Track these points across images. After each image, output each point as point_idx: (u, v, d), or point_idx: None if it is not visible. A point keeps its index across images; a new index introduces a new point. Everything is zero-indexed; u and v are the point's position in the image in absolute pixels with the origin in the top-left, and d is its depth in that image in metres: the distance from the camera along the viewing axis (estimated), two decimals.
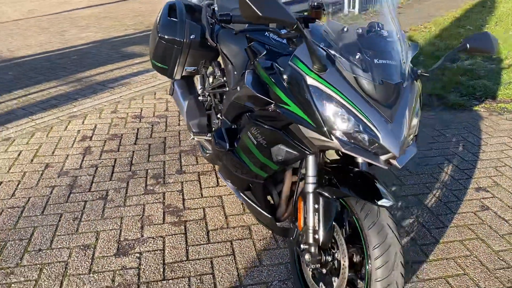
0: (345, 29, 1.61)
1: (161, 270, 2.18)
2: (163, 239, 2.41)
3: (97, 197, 2.78)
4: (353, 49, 1.57)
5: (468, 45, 1.71)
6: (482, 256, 2.27)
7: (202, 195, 2.81)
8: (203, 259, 2.26)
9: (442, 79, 4.78)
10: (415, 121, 1.64)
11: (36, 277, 2.13)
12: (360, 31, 1.62)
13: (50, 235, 2.42)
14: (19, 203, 2.71)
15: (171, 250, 2.32)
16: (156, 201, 2.74)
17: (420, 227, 2.50)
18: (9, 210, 2.65)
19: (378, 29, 1.65)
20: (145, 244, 2.36)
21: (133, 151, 3.36)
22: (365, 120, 1.50)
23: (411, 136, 1.65)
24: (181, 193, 2.82)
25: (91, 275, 2.15)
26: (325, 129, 1.55)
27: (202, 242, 2.38)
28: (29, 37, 7.23)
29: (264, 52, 1.91)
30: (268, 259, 2.25)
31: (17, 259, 2.25)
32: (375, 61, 1.55)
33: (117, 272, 2.17)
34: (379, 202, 1.53)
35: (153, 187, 2.89)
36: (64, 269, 2.18)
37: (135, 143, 3.49)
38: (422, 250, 2.31)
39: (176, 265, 2.22)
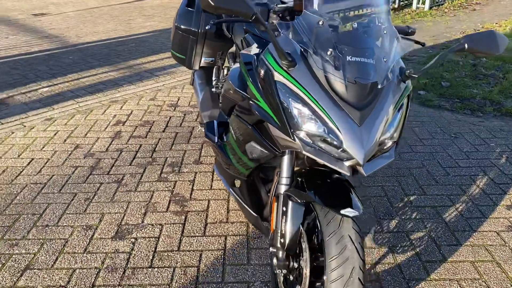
0: (321, 23, 1.50)
1: (150, 257, 2.21)
2: (161, 227, 2.43)
3: (113, 180, 2.88)
4: (326, 44, 1.46)
5: (466, 45, 1.52)
6: (493, 281, 2.05)
7: (211, 187, 2.80)
8: (194, 251, 2.26)
9: (501, 82, 4.37)
10: (395, 125, 1.50)
11: (36, 251, 2.25)
12: (337, 25, 1.50)
13: (60, 213, 2.55)
14: (42, 180, 2.88)
15: (165, 238, 2.34)
16: (166, 189, 2.78)
17: (430, 242, 2.30)
18: (31, 185, 2.82)
19: (361, 24, 1.52)
20: (142, 230, 2.40)
21: (159, 139, 3.44)
22: (329, 122, 1.40)
23: (390, 143, 1.51)
24: (191, 183, 2.84)
25: (85, 254, 2.23)
26: (288, 128, 1.46)
27: (197, 234, 2.38)
28: (99, 25, 7.64)
29: (253, 45, 1.84)
30: (257, 258, 2.20)
31: (25, 232, 2.39)
32: (348, 58, 1.44)
33: (109, 254, 2.23)
34: (342, 211, 1.42)
35: (167, 175, 2.94)
36: (62, 246, 2.28)
37: (163, 131, 3.57)
38: (425, 267, 2.13)
39: (166, 254, 2.23)
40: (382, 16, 1.56)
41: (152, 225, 2.46)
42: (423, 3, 8.07)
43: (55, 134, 3.52)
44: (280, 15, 1.84)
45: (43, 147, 3.31)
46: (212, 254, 2.23)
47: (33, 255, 2.22)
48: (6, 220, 2.48)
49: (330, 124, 1.40)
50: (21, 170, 3.00)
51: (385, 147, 1.51)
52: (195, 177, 2.91)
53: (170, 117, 3.82)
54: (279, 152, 1.62)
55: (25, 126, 3.67)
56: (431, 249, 2.25)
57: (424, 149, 3.25)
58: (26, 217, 2.51)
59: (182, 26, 2.61)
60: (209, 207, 2.60)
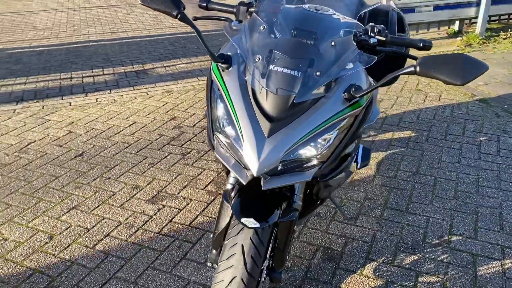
0: (262, 28, 1.46)
1: (163, 225, 2.46)
2: (189, 201, 2.66)
3: (181, 152, 3.21)
4: (261, 50, 1.44)
5: (418, 68, 1.29)
6: None
7: None
8: (200, 229, 2.42)
9: None
10: (322, 145, 1.40)
11: (88, 196, 2.72)
12: (280, 32, 1.45)
13: (124, 171, 2.99)
14: (130, 141, 3.39)
15: (185, 212, 2.56)
16: (215, 170, 2.99)
17: None
18: (120, 143, 3.35)
19: (303, 33, 1.43)
20: (173, 200, 2.67)
21: None
22: (238, 129, 1.39)
23: (313, 162, 1.41)
24: None
25: (118, 208, 2.61)
26: (210, 127, 1.50)
27: (213, 216, 2.53)
28: None
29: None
30: None
31: (91, 179, 2.89)
32: (271, 67, 1.39)
33: (135, 213, 2.56)
34: (243, 220, 1.41)
35: None
36: (107, 198, 2.71)
37: None
38: None
39: (176, 226, 2.46)
40: (336, 30, 1.44)
41: (184, 198, 2.70)
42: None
43: (163, 105, 4.04)
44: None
45: (148, 114, 3.85)
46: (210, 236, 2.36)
47: (84, 199, 2.69)
48: (84, 167, 3.04)
49: (238, 131, 1.39)
50: (121, 129, 3.58)
51: (304, 165, 1.42)
52: None
53: None
54: None
55: (147, 94, 4.30)
56: None
57: None
58: (99, 168, 3.02)
59: None
60: None
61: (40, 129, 3.59)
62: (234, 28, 1.56)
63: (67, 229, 2.43)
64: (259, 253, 1.42)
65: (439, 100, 4.05)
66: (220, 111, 1.46)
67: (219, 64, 1.49)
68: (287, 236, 1.59)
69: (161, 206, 2.62)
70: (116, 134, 3.50)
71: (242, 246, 1.42)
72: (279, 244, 1.59)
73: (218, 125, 1.47)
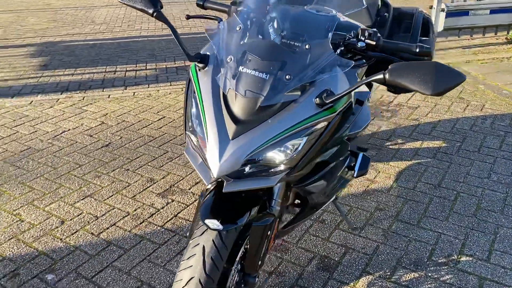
0: (238, 28, 1.44)
1: (168, 219, 2.51)
2: (198, 198, 2.68)
3: None
4: (234, 51, 1.42)
5: (387, 76, 1.22)
6: None
7: None
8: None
9: None
10: (292, 150, 1.35)
11: (105, 185, 2.83)
12: (256, 33, 1.42)
13: (143, 163, 3.07)
14: (156, 134, 3.48)
15: (191, 208, 2.59)
16: None
17: None
18: (146, 136, 3.45)
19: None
20: (182, 196, 2.71)
21: None
22: (204, 129, 1.38)
23: (280, 167, 1.37)
24: None
25: (130, 199, 2.69)
26: (184, 125, 1.50)
27: None
28: None
29: None
30: None
31: (111, 169, 3.00)
32: (240, 68, 1.37)
33: (144, 205, 2.63)
34: (206, 221, 1.41)
35: None
36: (122, 188, 2.80)
37: None
38: None
39: (180, 220, 2.49)
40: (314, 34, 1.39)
41: (193, 193, 2.73)
42: None
43: None
44: None
45: (178, 110, 3.93)
46: None
47: (100, 188, 2.80)
48: (108, 157, 3.16)
49: (205, 132, 1.38)
50: (150, 123, 3.68)
51: (271, 170, 1.38)
52: None
53: None
54: None
55: (182, 90, 4.39)
56: None
57: None
58: (121, 159, 3.13)
59: None
60: None
61: (76, 119, 3.78)
62: (215, 27, 1.55)
63: (78, 215, 2.54)
64: (221, 256, 1.41)
65: (481, 110, 3.79)
66: (192, 110, 1.46)
67: (196, 63, 1.49)
68: (260, 241, 1.56)
69: (170, 201, 2.67)
70: (144, 127, 3.61)
71: (204, 247, 1.41)
72: (251, 249, 1.56)
73: (189, 124, 1.47)
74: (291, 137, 1.35)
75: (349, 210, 2.54)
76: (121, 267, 2.16)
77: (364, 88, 1.71)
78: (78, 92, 4.40)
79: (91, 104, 4.10)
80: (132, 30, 6.83)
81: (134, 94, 4.31)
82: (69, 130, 3.58)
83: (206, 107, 1.40)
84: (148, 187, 2.80)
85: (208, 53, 1.51)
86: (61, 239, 2.36)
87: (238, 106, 1.36)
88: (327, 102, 1.34)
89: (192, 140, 1.46)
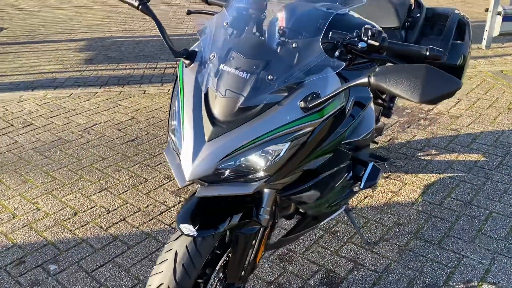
0: (225, 24, 1.36)
1: (176, 218, 2.46)
2: None
3: None
4: (218, 47, 1.34)
5: (371, 79, 1.08)
6: None
7: None
8: None
9: None
10: (274, 157, 1.26)
11: (123, 180, 2.85)
12: (237, 27, 1.33)
13: (164, 160, 3.07)
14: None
15: None
16: None
17: None
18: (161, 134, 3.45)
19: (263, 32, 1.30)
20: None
21: None
22: (181, 130, 1.32)
23: (259, 174, 1.28)
24: None
25: (144, 195, 2.68)
26: (168, 123, 1.44)
27: None
28: None
29: None
30: None
31: (131, 165, 3.02)
32: (221, 66, 1.29)
33: (156, 203, 2.61)
34: (181, 225, 1.34)
35: None
36: (138, 183, 2.80)
37: None
38: None
39: None
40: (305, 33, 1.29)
41: None
42: None
43: None
44: None
45: None
46: None
47: (118, 182, 2.82)
48: (131, 152, 3.18)
49: (182, 132, 1.31)
50: (160, 120, 3.67)
51: (249, 176, 1.29)
52: None
53: None
54: None
55: None
56: None
57: None
58: (143, 155, 3.14)
59: None
60: None
61: (109, 113, 3.85)
62: (205, 23, 1.48)
63: (91, 208, 2.56)
64: (194, 264, 1.33)
65: None
66: (174, 108, 1.40)
67: (183, 60, 1.43)
68: (244, 251, 1.48)
69: (182, 199, 2.63)
70: (154, 123, 3.60)
71: (176, 253, 1.34)
72: (233, 258, 1.48)
73: (172, 122, 1.41)
74: (272, 142, 1.25)
75: (365, 222, 2.38)
76: (122, 264, 2.14)
77: (365, 91, 1.57)
78: (116, 86, 4.49)
79: (126, 99, 4.17)
80: (179, 28, 6.93)
81: (168, 91, 4.34)
82: (100, 123, 3.65)
83: (186, 106, 1.33)
84: (163, 184, 2.78)
85: (196, 49, 1.44)
86: (70, 230, 2.38)
87: (218, 106, 1.28)
88: (309, 106, 1.23)
89: (172, 139, 1.40)
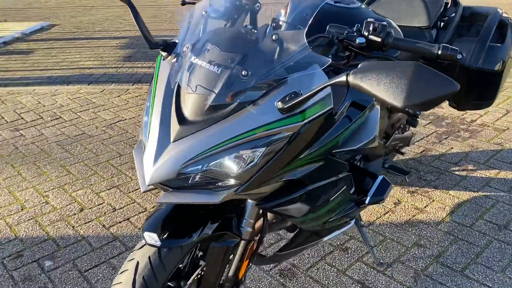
0: (204, 13, 1.22)
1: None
2: None
3: None
4: (193, 38, 1.21)
5: (350, 79, 0.91)
6: None
7: None
8: None
9: None
10: (242, 159, 1.11)
11: (135, 178, 2.78)
12: (217, 16, 1.19)
13: None
14: None
15: None
16: None
17: None
18: None
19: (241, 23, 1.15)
20: None
21: None
22: (148, 128, 1.19)
23: (232, 181, 1.13)
24: None
25: (152, 195, 2.60)
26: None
27: None
28: None
29: None
30: None
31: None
32: (192, 59, 1.16)
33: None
34: (145, 233, 1.22)
35: None
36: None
37: None
38: None
39: None
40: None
41: None
42: None
43: None
44: None
45: None
46: None
47: (129, 180, 2.76)
48: None
49: (147, 130, 1.19)
50: None
51: (219, 183, 1.14)
52: None
53: None
54: None
55: None
56: None
57: None
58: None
59: None
60: None
61: (136, 109, 3.83)
62: (186, 11, 1.35)
63: (98, 205, 2.51)
64: (155, 277, 1.21)
65: None
66: (147, 104, 1.28)
67: (160, 51, 1.31)
68: (221, 265, 1.34)
69: None
70: None
71: (138, 264, 1.22)
72: (207, 271, 1.34)
73: (143, 119, 1.29)
74: (245, 146, 1.10)
75: (382, 241, 2.16)
76: (116, 265, 2.06)
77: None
78: (148, 84, 4.47)
79: None
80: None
81: None
82: (125, 119, 3.63)
83: (156, 102, 1.21)
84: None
85: (177, 40, 1.32)
86: (73, 226, 2.34)
87: (188, 104, 1.15)
88: (285, 107, 1.06)
89: (141, 138, 1.28)
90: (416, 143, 3.07)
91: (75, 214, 2.44)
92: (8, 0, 9.99)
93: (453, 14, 2.18)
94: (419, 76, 0.85)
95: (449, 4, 2.24)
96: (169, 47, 1.30)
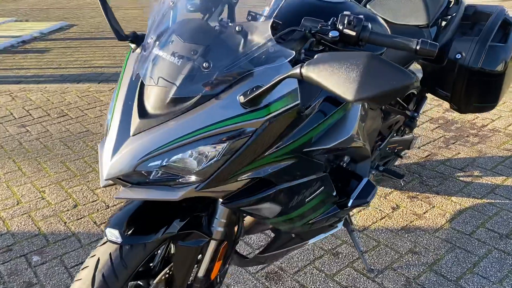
0: (171, 3, 1.19)
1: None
2: None
3: None
4: (158, 29, 1.18)
5: (303, 71, 0.86)
6: None
7: None
8: None
9: None
10: (203, 155, 1.07)
11: None
12: (183, 6, 1.16)
13: None
14: None
15: None
16: None
17: None
18: None
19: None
20: None
21: None
22: (109, 121, 1.17)
23: (191, 177, 1.09)
24: None
25: None
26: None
27: None
28: None
29: None
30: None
31: None
32: (154, 50, 1.12)
33: None
34: (107, 229, 1.19)
35: None
36: None
37: None
38: None
39: None
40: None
41: None
42: None
43: None
44: None
45: None
46: None
47: None
48: None
49: (109, 124, 1.16)
50: None
51: (179, 180, 1.10)
52: None
53: None
54: None
55: None
56: None
57: None
58: None
59: None
60: None
61: None
62: (155, 2, 1.32)
63: (92, 202, 2.51)
64: (116, 275, 1.17)
65: None
66: (113, 95, 1.25)
67: (129, 43, 1.28)
68: (189, 265, 1.30)
69: None
70: None
71: (98, 260, 1.19)
72: (175, 271, 1.30)
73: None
74: (206, 141, 1.06)
75: (375, 246, 2.09)
76: None
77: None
78: None
79: None
80: None
81: None
82: None
83: (120, 95, 1.18)
84: None
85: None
86: (65, 222, 2.33)
87: (151, 97, 1.12)
88: (246, 101, 1.02)
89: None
90: (421, 147, 2.97)
91: (68, 210, 2.44)
92: (32, 1, 10.22)
93: (455, 13, 2.10)
94: (373, 67, 0.79)
95: (452, 3, 2.16)
96: (138, 39, 1.27)
